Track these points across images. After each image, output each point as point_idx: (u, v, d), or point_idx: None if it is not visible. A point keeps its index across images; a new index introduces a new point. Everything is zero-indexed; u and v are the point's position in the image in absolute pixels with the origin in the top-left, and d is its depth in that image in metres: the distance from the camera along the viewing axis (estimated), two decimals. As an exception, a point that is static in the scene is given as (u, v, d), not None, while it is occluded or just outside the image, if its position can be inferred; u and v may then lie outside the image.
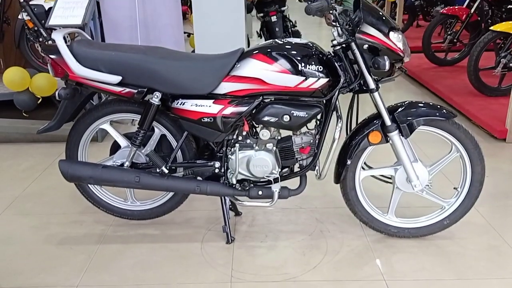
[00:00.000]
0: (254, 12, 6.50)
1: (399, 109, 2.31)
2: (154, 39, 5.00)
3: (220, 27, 3.99)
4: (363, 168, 2.47)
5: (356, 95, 2.39)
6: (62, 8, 3.82)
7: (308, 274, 2.26)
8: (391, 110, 2.32)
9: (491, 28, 4.40)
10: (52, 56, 2.29)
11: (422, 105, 2.32)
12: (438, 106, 2.33)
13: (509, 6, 5.31)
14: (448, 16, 5.80)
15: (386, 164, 2.50)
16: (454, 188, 2.48)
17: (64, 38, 2.29)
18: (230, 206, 2.72)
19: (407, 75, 6.04)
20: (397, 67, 2.27)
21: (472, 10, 5.55)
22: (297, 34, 6.25)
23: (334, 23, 2.20)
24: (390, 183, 2.50)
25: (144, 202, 2.65)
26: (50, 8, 3.97)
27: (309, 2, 2.17)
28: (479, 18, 5.72)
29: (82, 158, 2.57)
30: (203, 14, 3.99)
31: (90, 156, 2.61)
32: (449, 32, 5.86)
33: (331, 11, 2.16)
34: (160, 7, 4.92)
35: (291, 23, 6.34)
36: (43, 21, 4.10)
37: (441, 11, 5.89)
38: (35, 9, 4.13)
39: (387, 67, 2.12)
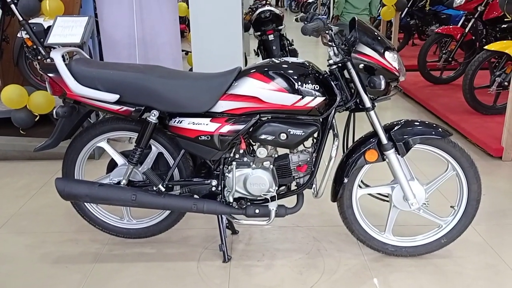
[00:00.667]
0: (251, 30, 6.58)
1: (395, 128, 2.32)
2: (152, 57, 5.04)
3: (218, 45, 4.02)
4: (360, 186, 2.47)
5: (352, 114, 2.40)
6: (61, 27, 3.85)
7: (305, 293, 2.24)
8: (387, 129, 2.33)
9: (486, 47, 4.45)
10: (50, 74, 2.31)
11: (418, 123, 2.34)
12: (434, 125, 2.34)
13: (503, 26, 5.37)
14: (443, 35, 5.88)
15: (382, 182, 2.51)
16: (451, 206, 2.48)
17: (63, 56, 2.31)
18: (227, 225, 2.72)
19: (403, 93, 6.08)
20: (392, 86, 2.29)
21: (467, 30, 5.63)
22: (294, 53, 6.30)
23: (330, 43, 2.23)
24: (387, 201, 2.50)
25: (140, 220, 2.64)
26: (49, 27, 4.01)
27: (305, 23, 2.20)
28: (473, 38, 5.79)
29: (79, 176, 2.56)
30: (201, 32, 4.01)
31: (87, 173, 2.61)
32: (444, 51, 5.93)
33: (327, 31, 2.18)
34: (159, 26, 4.97)
35: (288, 42, 6.40)
36: (42, 40, 4.13)
37: (436, 30, 5.97)
38: (34, 28, 4.16)
39: (383, 86, 2.14)
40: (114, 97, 2.26)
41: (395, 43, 7.04)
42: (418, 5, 8.21)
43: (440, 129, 2.31)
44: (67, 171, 2.54)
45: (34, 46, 4.22)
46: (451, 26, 5.91)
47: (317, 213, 2.96)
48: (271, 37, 6.01)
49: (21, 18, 4.14)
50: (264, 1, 8.18)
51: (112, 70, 2.30)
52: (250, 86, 2.23)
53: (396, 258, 2.50)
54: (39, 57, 4.26)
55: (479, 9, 5.48)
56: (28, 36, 4.18)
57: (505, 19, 5.20)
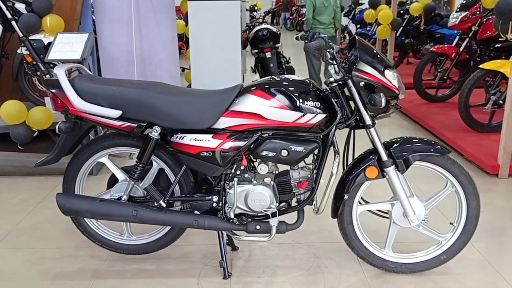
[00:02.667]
0: (248, 48, 6.65)
1: (395, 145, 2.35)
2: (150, 73, 5.08)
3: (216, 62, 4.07)
4: (360, 203, 2.48)
5: (352, 131, 2.43)
6: (61, 43, 3.88)
7: (306, 310, 2.24)
8: (387, 146, 2.36)
9: (480, 66, 4.52)
10: (53, 90, 2.32)
11: (417, 141, 2.36)
12: (433, 142, 2.37)
13: (497, 45, 5.46)
14: (437, 54, 5.96)
15: (382, 199, 2.52)
16: (450, 223, 2.50)
17: (65, 73, 2.33)
18: (227, 241, 2.71)
19: (400, 111, 6.13)
20: (392, 104, 2.32)
21: (461, 49, 5.71)
22: (291, 70, 6.37)
23: (331, 61, 2.26)
24: (387, 218, 2.51)
25: (140, 236, 2.64)
26: (49, 43, 4.04)
27: (306, 41, 2.23)
28: (468, 56, 5.88)
29: (79, 191, 2.56)
30: (199, 49, 4.06)
31: (86, 189, 2.60)
32: (439, 70, 6.00)
33: (328, 50, 2.22)
34: (157, 43, 5.01)
35: (285, 59, 6.47)
36: (41, 56, 4.16)
37: (431, 49, 6.05)
38: (35, 44, 4.18)
39: (383, 104, 2.17)
40: (117, 113, 2.28)
41: (392, 61, 7.13)
42: (413, 24, 8.33)
43: (439, 147, 2.34)
44: (68, 187, 2.54)
45: (34, 62, 4.24)
46: (445, 45, 5.99)
47: (317, 230, 2.96)
48: (268, 54, 6.08)
49: (21, 35, 4.16)
50: (261, 20, 8.27)
51: (114, 86, 2.32)
52: (251, 103, 2.25)
53: (396, 274, 2.50)
54: (38, 73, 4.27)
55: (473, 28, 5.57)
56: (28, 52, 4.20)
57: (499, 39, 5.29)
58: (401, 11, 8.24)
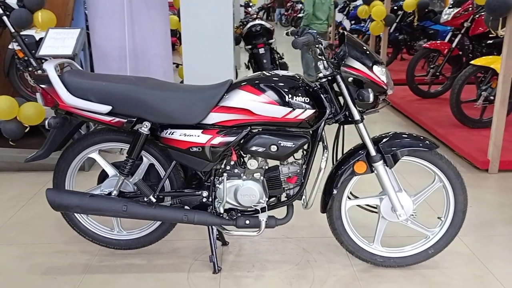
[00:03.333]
0: (242, 44, 6.64)
1: (384, 140, 2.36)
2: (143, 69, 5.06)
3: (208, 58, 4.06)
4: (349, 198, 2.50)
5: (341, 126, 2.44)
6: (53, 38, 3.88)
7: (295, 304, 2.26)
8: (376, 141, 2.37)
9: (472, 62, 4.54)
10: (42, 86, 2.32)
11: (405, 136, 2.38)
12: (421, 137, 2.39)
13: (489, 42, 5.49)
14: (430, 50, 5.98)
15: (372, 194, 2.54)
16: (438, 217, 2.52)
17: (55, 68, 2.33)
18: (217, 236, 2.73)
19: (392, 107, 6.16)
20: (381, 99, 2.33)
21: (454, 45, 5.73)
22: (284, 66, 6.38)
23: (320, 57, 2.28)
24: (376, 212, 2.53)
25: (130, 231, 2.65)
26: (41, 39, 4.03)
27: (296, 37, 2.24)
28: (460, 53, 5.91)
29: (69, 187, 2.57)
30: (192, 45, 4.06)
31: (77, 185, 2.61)
32: (431, 66, 6.03)
33: (317, 45, 2.23)
34: (150, 38, 5.00)
35: (278, 55, 6.48)
36: (33, 51, 4.15)
37: (424, 45, 6.07)
38: (26, 40, 4.17)
39: (371, 99, 2.19)
40: (107, 108, 2.28)
41: (384, 57, 7.15)
42: (406, 20, 8.34)
43: (427, 142, 2.36)
44: (58, 182, 2.54)
45: (26, 58, 4.22)
46: (438, 41, 6.01)
47: (307, 225, 2.98)
48: (261, 50, 6.09)
49: (13, 30, 4.15)
50: (255, 15, 8.26)
51: (104, 81, 2.32)
52: (241, 99, 2.26)
53: (385, 269, 2.52)
54: (30, 69, 4.26)
55: (465, 25, 5.60)
56: (20, 48, 4.18)
57: (490, 35, 5.31)
58: (395, 7, 8.25)
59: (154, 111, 2.30)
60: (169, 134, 2.34)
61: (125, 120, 2.32)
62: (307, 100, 2.24)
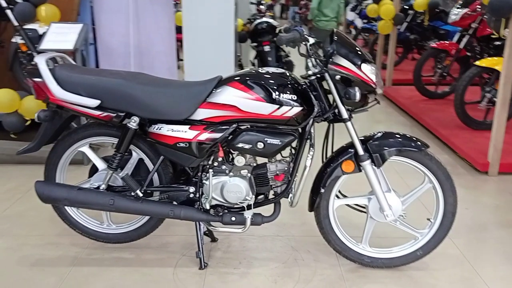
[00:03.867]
0: (249, 41, 6.63)
1: (372, 139, 2.34)
2: (147, 65, 5.09)
3: (209, 54, 4.08)
4: (337, 197, 2.48)
5: (331, 125, 2.42)
6: (55, 33, 3.91)
7: (278, 302, 2.25)
8: (365, 140, 2.35)
9: (476, 63, 4.48)
10: (34, 79, 2.35)
11: (395, 135, 2.36)
12: (411, 137, 2.36)
13: (496, 43, 5.40)
14: (438, 51, 5.91)
15: (362, 193, 2.52)
16: (427, 219, 2.49)
17: (48, 62, 2.36)
18: (206, 232, 2.73)
19: (398, 107, 6.10)
20: (370, 99, 2.31)
21: (461, 46, 5.65)
22: (289, 64, 6.35)
23: (307, 54, 2.26)
24: (365, 212, 2.51)
25: (120, 225, 2.66)
26: (44, 33, 4.06)
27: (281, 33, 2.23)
28: (468, 54, 5.82)
29: (60, 180, 2.59)
30: (193, 41, 4.07)
31: (76, 178, 2.63)
32: (439, 66, 5.96)
33: (303, 42, 2.22)
34: (154, 35, 5.02)
35: (284, 53, 6.45)
36: (36, 45, 4.18)
37: (431, 45, 6.00)
38: (29, 33, 4.20)
39: (357, 97, 2.17)
40: (95, 102, 2.29)
41: (392, 57, 7.08)
42: (417, 20, 8.25)
43: (417, 142, 2.33)
44: (49, 175, 2.57)
45: (29, 52, 4.26)
46: (446, 42, 5.93)
47: (298, 223, 2.97)
48: (267, 48, 6.07)
49: (16, 24, 4.19)
50: (263, 13, 8.23)
51: (94, 76, 2.34)
52: (228, 95, 2.26)
53: (372, 269, 2.50)
54: (33, 63, 4.30)
55: (473, 26, 5.52)
56: (23, 42, 4.22)
57: (492, 36, 5.24)
58: (405, 7, 8.17)
59: (142, 106, 2.31)
60: (157, 129, 2.35)
61: (114, 115, 2.33)
62: (294, 97, 2.23)
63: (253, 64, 6.58)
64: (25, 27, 4.23)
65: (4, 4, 4.17)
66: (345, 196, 2.53)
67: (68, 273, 2.45)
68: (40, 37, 4.19)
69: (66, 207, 2.61)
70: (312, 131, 2.35)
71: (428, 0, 7.48)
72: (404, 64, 8.45)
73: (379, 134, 2.37)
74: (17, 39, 4.28)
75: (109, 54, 5.22)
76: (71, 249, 2.69)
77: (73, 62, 2.62)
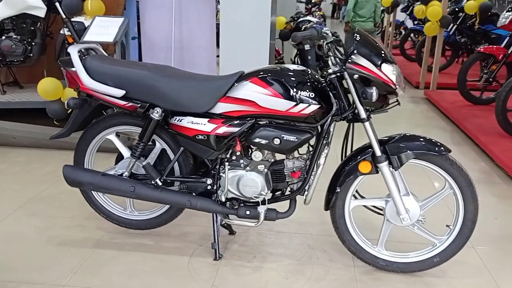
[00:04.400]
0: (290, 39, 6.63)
1: (391, 141, 2.31)
2: (188, 60, 5.21)
3: (245, 51, 4.12)
4: (354, 197, 2.47)
5: (351, 124, 2.41)
6: (98, 26, 4.08)
7: (286, 297, 2.27)
8: (384, 142, 2.32)
9: (521, 69, 4.29)
10: (67, 69, 2.47)
11: (415, 138, 2.32)
12: (432, 141, 2.31)
13: (547, 48, 5.15)
14: (485, 55, 5.69)
15: (380, 195, 2.49)
16: (446, 225, 2.43)
17: (82, 52, 2.48)
18: (225, 224, 2.78)
19: (440, 111, 5.94)
20: (391, 100, 2.28)
21: (510, 51, 5.43)
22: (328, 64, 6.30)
23: (326, 52, 2.26)
24: (382, 214, 2.48)
25: (142, 212, 2.76)
26: (89, 26, 4.24)
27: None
28: (517, 59, 5.58)
29: (88, 165, 2.71)
30: (229, 38, 4.13)
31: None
32: (485, 71, 5.74)
33: (322, 41, 2.21)
34: (196, 30, 5.13)
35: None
36: (82, 37, 4.38)
37: (478, 49, 5.79)
38: (76, 26, 4.40)
39: (373, 98, 2.15)
40: (120, 92, 2.39)
41: (438, 60, 6.87)
42: (467, 23, 7.98)
43: (438, 146, 2.28)
44: (78, 160, 2.70)
45: (74, 43, 4.46)
46: (494, 46, 5.71)
47: (318, 222, 2.96)
48: (306, 46, 6.03)
49: (64, 16, 4.40)
50: (310, 11, 8.18)
51: (121, 67, 2.43)
52: (247, 90, 2.29)
53: (387, 273, 2.47)
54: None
55: (523, 29, 5.29)
56: (70, 33, 4.43)
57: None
58: (456, 9, 7.91)
59: (165, 98, 2.38)
60: (178, 120, 2.42)
61: (138, 105, 2.42)
62: (312, 95, 2.24)
63: (293, 62, 6.57)
64: (72, 19, 4.44)
65: (54, -3, 4.39)
66: (362, 197, 2.51)
67: (90, 255, 2.57)
68: (85, 29, 4.39)
69: (92, 192, 2.74)
70: (331, 130, 2.35)
71: (479, 2, 7.22)
72: (452, 68, 8.18)
73: (399, 136, 2.33)
74: (64, 31, 4.49)
75: (151, 48, 5.39)
76: (96, 232, 2.81)
77: (105, 54, 2.73)
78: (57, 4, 4.39)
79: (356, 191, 2.47)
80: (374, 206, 2.52)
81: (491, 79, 5.68)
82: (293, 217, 2.80)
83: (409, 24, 11.49)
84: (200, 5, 5.11)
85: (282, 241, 2.76)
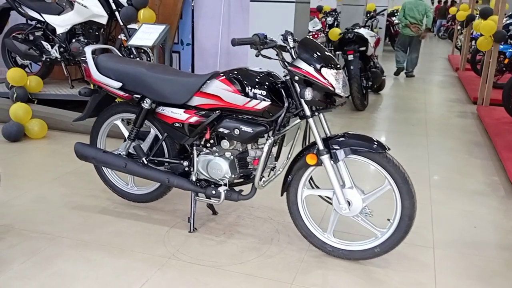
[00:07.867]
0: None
1: (335, 138, 2.58)
2: (233, 65, 5.73)
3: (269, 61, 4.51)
4: (312, 187, 2.75)
5: (306, 120, 2.70)
6: (142, 31, 4.72)
7: (232, 266, 2.62)
8: (328, 138, 2.60)
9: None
10: (84, 64, 3.06)
11: (356, 136, 2.55)
12: (371, 139, 2.53)
13: None
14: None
15: (329, 186, 2.73)
16: (387, 219, 2.63)
17: (94, 51, 3.05)
18: (209, 205, 3.19)
19: (482, 127, 5.83)
20: (336, 100, 2.55)
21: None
22: (374, 74, 6.46)
23: (276, 57, 2.60)
24: (331, 204, 2.73)
25: (140, 188, 3.26)
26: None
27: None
28: None
29: (100, 145, 3.28)
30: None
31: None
32: (534, 87, 5.55)
33: (262, 46, 2.52)
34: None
35: (372, 63, 6.57)
36: (134, 42, 5.05)
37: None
38: (130, 32, 5.10)
39: (306, 97, 2.44)
40: (118, 84, 2.91)
41: (493, 74, 6.66)
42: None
43: (375, 144, 2.50)
44: (92, 140, 3.28)
45: (129, 47, 5.15)
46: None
47: (295, 212, 3.26)
48: (350, 57, 6.27)
49: (121, 24, 5.11)
50: (365, 23, 8.25)
51: (122, 64, 2.96)
52: (215, 87, 2.69)
53: (334, 258, 2.71)
54: (131, 56, 5.20)
55: None
56: (125, 38, 5.13)
57: None
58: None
59: (152, 90, 2.86)
60: (161, 110, 2.89)
61: (133, 96, 2.92)
62: (264, 93, 2.58)
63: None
64: (128, 26, 5.14)
65: (114, 7, 5.13)
66: (317, 187, 2.78)
67: (92, 217, 3.12)
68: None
69: (103, 168, 3.30)
70: (285, 124, 2.67)
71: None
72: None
73: (342, 134, 2.59)
74: (121, 36, 5.21)
75: (202, 53, 6.01)
76: (105, 201, 3.37)
77: (119, 54, 3.29)
78: (116, 13, 5.11)
79: (311, 182, 2.75)
80: (327, 197, 2.78)
81: (539, 96, 5.48)
82: (275, 206, 3.20)
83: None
84: (246, 15, 5.60)
85: (255, 224, 3.11)
